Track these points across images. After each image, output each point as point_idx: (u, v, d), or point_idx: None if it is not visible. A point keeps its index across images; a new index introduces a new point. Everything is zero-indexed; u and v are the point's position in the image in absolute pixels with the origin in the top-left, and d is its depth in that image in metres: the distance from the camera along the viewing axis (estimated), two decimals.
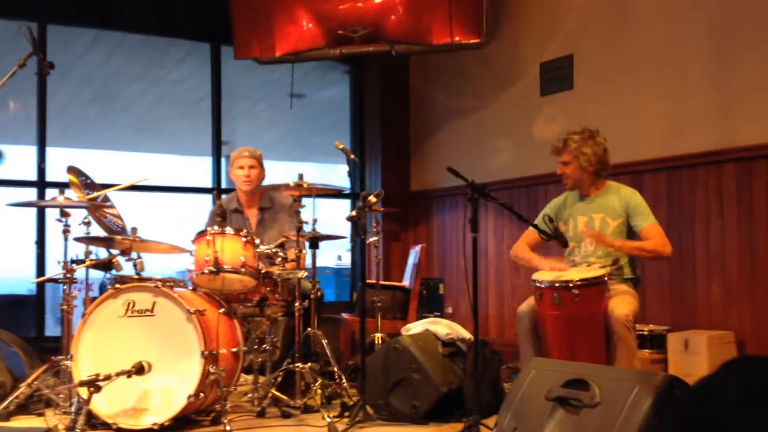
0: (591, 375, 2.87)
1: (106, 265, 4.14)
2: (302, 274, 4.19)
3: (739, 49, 4.86)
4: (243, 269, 4.01)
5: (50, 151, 6.24)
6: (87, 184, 4.46)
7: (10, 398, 3.95)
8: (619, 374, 2.91)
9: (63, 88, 7.42)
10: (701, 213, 5.00)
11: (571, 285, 3.55)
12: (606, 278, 3.65)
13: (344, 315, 5.49)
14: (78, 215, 4.13)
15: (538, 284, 3.68)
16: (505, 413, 3.03)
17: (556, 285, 3.59)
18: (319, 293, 4.31)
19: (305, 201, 4.29)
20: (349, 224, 4.25)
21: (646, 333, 4.81)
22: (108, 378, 3.48)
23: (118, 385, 3.56)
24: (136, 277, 3.95)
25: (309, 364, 4.13)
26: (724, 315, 4.84)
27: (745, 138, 4.76)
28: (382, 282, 5.18)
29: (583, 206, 4.06)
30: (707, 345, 4.57)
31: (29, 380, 4.01)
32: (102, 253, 4.20)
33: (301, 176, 4.26)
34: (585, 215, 4.01)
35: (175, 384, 3.67)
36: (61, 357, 3.95)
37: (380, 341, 4.77)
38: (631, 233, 3.95)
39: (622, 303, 3.63)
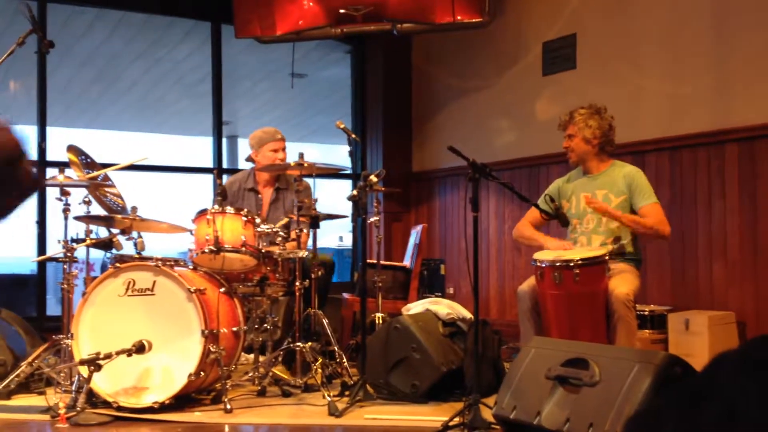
0: (591, 354, 2.87)
1: (106, 244, 4.13)
2: (303, 253, 4.19)
3: (741, 29, 4.82)
4: (243, 248, 4.01)
5: (51, 130, 6.23)
6: (87, 163, 4.44)
7: (11, 377, 3.97)
8: (619, 353, 2.90)
9: (64, 67, 7.39)
10: (703, 193, 4.98)
11: (571, 264, 3.54)
12: (607, 257, 3.64)
13: (345, 295, 5.49)
14: (78, 194, 4.12)
15: (538, 263, 3.68)
16: (505, 392, 3.03)
17: (557, 264, 3.58)
18: (320, 272, 4.30)
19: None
20: (350, 205, 4.24)
21: (647, 313, 4.81)
22: (108, 357, 3.49)
23: (118, 364, 3.58)
24: (137, 256, 3.95)
25: (309, 343, 4.13)
26: (725, 295, 4.83)
27: (748, 118, 4.74)
28: (383, 262, 5.17)
29: (587, 182, 4.05)
30: (708, 325, 4.57)
31: (30, 359, 4.03)
32: (102, 232, 4.20)
33: (301, 155, 4.25)
34: (588, 192, 4.00)
35: (175, 363, 3.68)
36: (61, 336, 3.96)
37: (381, 321, 4.77)
38: (634, 211, 3.94)
39: (622, 282, 3.62)
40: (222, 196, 4.38)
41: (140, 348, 3.59)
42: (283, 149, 4.87)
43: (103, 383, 3.64)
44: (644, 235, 3.93)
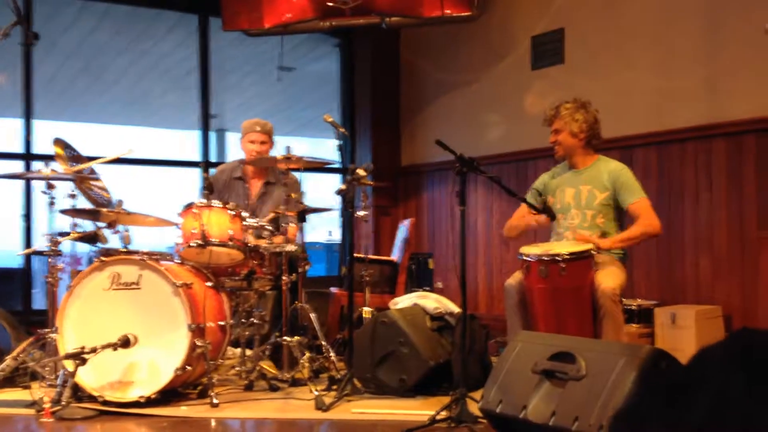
0: (577, 348, 2.87)
1: (91, 238, 4.11)
2: (290, 247, 4.18)
3: (729, 25, 4.83)
4: (230, 242, 3.99)
5: (36, 123, 6.18)
6: (73, 156, 4.41)
7: None
8: (605, 347, 2.90)
9: (49, 60, 7.32)
10: (690, 188, 5.00)
11: (558, 258, 3.54)
12: (593, 252, 3.65)
13: (333, 289, 5.48)
14: (64, 188, 4.09)
15: (525, 258, 3.68)
16: (492, 386, 3.03)
17: (543, 258, 3.58)
18: (306, 266, 4.29)
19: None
20: (338, 199, 4.23)
21: (633, 307, 4.82)
22: (93, 351, 3.47)
23: (104, 358, 3.56)
24: (123, 250, 3.93)
25: (297, 337, 4.12)
26: (711, 290, 4.85)
27: (735, 113, 4.75)
28: (370, 256, 5.17)
29: (572, 177, 4.05)
30: (695, 319, 4.59)
31: (14, 353, 4.00)
32: (89, 226, 4.17)
33: (288, 149, 4.23)
34: (573, 187, 4.01)
35: (161, 357, 3.66)
36: (46, 330, 3.93)
37: (369, 315, 4.77)
38: (620, 207, 3.95)
39: (609, 276, 3.63)
40: (209, 189, 4.35)
41: (125, 342, 3.58)
42: (262, 142, 4.82)
43: (88, 377, 3.62)
44: (639, 243, 3.96)
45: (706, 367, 0.99)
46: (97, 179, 4.44)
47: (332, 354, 4.24)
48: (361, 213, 5.01)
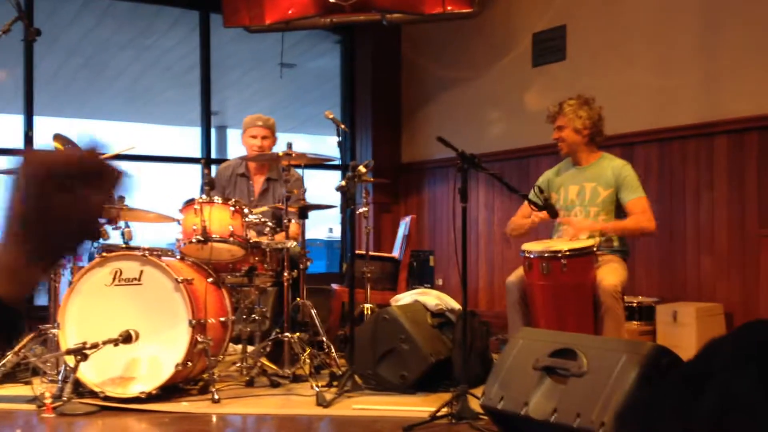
0: (578, 345, 2.87)
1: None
2: (291, 244, 4.18)
3: (730, 22, 4.82)
4: (231, 239, 3.99)
5: (38, 119, 6.18)
6: None
7: None
8: (606, 344, 2.91)
9: (50, 56, 7.32)
10: (691, 185, 4.99)
11: (559, 255, 3.54)
12: (595, 249, 3.65)
13: (334, 286, 5.48)
14: None
15: (527, 254, 3.68)
16: (493, 382, 3.03)
17: (545, 255, 3.58)
18: (307, 263, 4.29)
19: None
20: (339, 196, 4.23)
21: (635, 305, 4.82)
22: (95, 346, 3.47)
23: (105, 354, 3.56)
24: (124, 245, 3.93)
25: (298, 334, 4.12)
26: (713, 287, 4.85)
27: (736, 110, 4.74)
28: (371, 253, 5.16)
29: (575, 174, 4.04)
30: (696, 317, 4.59)
31: (16, 349, 4.00)
32: None
33: (289, 145, 4.23)
34: (576, 184, 4.00)
35: (162, 353, 3.67)
36: (48, 325, 3.93)
37: (369, 312, 4.77)
38: (620, 205, 3.95)
39: (610, 273, 3.63)
40: (210, 185, 4.35)
41: (127, 338, 3.58)
42: (264, 137, 4.80)
43: (89, 373, 3.62)
44: (631, 236, 3.95)
45: (715, 360, 0.99)
46: None
47: (333, 350, 4.24)
48: (361, 210, 5.02)
